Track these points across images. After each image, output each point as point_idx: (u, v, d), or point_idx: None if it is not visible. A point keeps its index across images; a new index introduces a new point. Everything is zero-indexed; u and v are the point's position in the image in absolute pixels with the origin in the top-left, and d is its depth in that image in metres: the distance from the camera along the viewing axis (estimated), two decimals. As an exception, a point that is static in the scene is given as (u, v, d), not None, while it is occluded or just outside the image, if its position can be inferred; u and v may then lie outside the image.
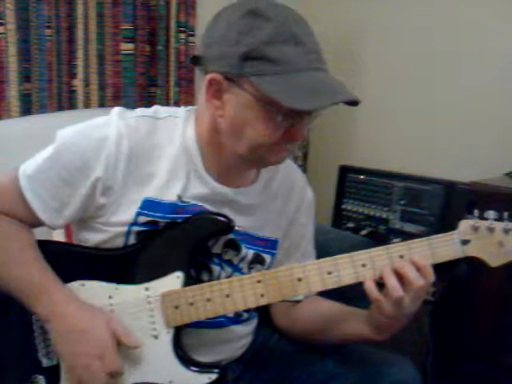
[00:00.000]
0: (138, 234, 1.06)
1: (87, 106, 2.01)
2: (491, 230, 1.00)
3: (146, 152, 1.05)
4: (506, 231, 1.00)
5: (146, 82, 2.10)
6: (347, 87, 0.98)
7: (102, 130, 1.04)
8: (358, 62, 2.31)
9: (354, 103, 0.97)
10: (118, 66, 2.04)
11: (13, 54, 1.80)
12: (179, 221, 1.06)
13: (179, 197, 1.06)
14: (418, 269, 0.98)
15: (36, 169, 1.05)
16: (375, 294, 0.99)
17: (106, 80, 2.04)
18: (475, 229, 1.01)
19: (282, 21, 0.95)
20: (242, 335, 1.19)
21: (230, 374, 1.16)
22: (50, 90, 1.90)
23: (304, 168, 2.38)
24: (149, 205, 1.05)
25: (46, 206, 1.05)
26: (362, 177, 2.05)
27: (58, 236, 1.33)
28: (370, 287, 0.99)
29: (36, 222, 1.07)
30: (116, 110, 1.08)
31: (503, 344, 1.53)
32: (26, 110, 1.85)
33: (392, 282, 0.98)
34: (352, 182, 2.08)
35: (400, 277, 0.98)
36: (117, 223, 1.05)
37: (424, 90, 2.10)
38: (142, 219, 1.05)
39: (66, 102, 1.97)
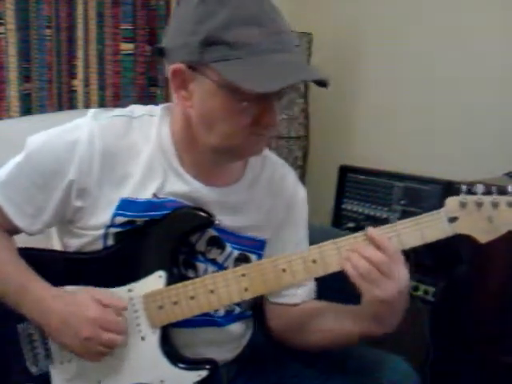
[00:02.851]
0: (117, 235, 1.04)
1: (87, 106, 2.01)
2: (479, 204, 0.97)
3: (120, 152, 1.03)
4: (495, 205, 0.97)
5: (145, 82, 2.10)
6: (314, 68, 0.96)
7: (74, 132, 1.03)
8: (358, 62, 2.31)
9: (323, 84, 0.94)
10: (117, 66, 2.04)
11: (13, 54, 1.79)
12: (158, 218, 1.04)
13: (154, 195, 1.04)
14: (376, 246, 0.96)
15: (9, 175, 1.05)
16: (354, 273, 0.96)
17: (106, 80, 2.03)
18: (463, 205, 0.98)
19: (238, 4, 0.93)
20: (237, 335, 1.18)
21: (225, 374, 1.15)
22: (49, 90, 1.90)
23: (304, 168, 2.38)
24: (125, 205, 1.03)
25: (21, 213, 1.04)
26: (362, 177, 2.05)
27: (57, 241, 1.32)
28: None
29: (14, 229, 1.06)
30: (91, 111, 1.07)
31: (503, 344, 1.53)
32: (26, 110, 1.85)
33: (353, 258, 0.96)
34: (352, 181, 2.08)
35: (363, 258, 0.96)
36: (94, 226, 1.04)
37: (424, 90, 2.10)
38: (119, 220, 1.03)
39: (66, 102, 1.97)
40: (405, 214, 1.89)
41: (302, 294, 1.16)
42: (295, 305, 1.17)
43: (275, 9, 0.96)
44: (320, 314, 1.13)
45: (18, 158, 1.05)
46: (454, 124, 2.01)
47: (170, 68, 0.99)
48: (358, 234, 0.99)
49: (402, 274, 0.96)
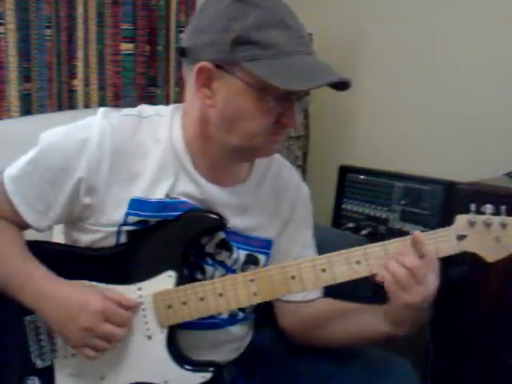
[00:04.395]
0: (129, 233, 1.05)
1: (87, 106, 2.01)
2: (488, 224, 0.99)
3: (129, 151, 1.04)
4: (503, 226, 0.98)
5: (145, 82, 2.10)
6: (336, 70, 0.98)
7: (84, 130, 1.04)
8: (358, 62, 2.31)
9: (345, 86, 0.98)
10: (117, 66, 2.04)
11: (13, 54, 1.80)
12: (170, 219, 1.05)
13: (167, 195, 1.05)
14: (418, 250, 0.97)
15: (20, 171, 1.05)
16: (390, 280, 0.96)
17: (106, 80, 2.04)
18: (472, 224, 0.99)
19: (269, 6, 0.96)
20: (239, 336, 1.18)
21: (226, 374, 1.15)
22: (49, 90, 1.90)
23: (304, 168, 2.38)
24: (136, 205, 1.04)
25: (31, 209, 1.05)
26: (362, 177, 2.05)
27: (59, 235, 1.32)
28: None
29: (23, 224, 1.07)
30: (101, 110, 1.08)
31: (503, 344, 1.53)
32: (26, 110, 1.86)
33: (392, 266, 0.96)
34: (352, 181, 2.08)
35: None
36: (107, 223, 1.04)
37: (424, 90, 2.10)
38: (132, 219, 1.04)
39: (66, 102, 1.98)
40: (405, 214, 1.90)
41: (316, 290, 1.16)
42: (311, 301, 1.16)
43: (296, 15, 0.99)
44: (342, 314, 1.13)
45: (31, 154, 1.06)
46: (455, 124, 2.01)
47: (192, 67, 0.99)
48: (369, 246, 1.00)
49: (432, 281, 0.97)
